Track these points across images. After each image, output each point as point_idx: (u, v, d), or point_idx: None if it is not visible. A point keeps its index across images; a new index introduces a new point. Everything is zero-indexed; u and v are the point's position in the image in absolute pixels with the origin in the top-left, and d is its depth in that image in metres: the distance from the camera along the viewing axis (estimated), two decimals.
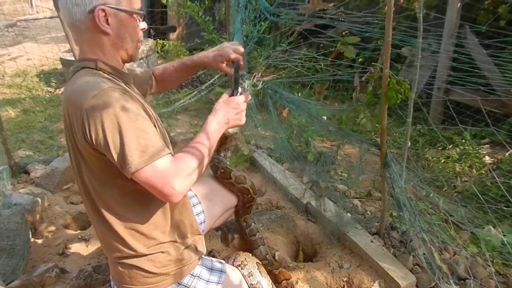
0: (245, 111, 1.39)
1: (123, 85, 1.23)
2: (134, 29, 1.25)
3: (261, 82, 1.75)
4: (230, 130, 1.58)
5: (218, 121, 1.32)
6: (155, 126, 1.20)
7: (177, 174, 1.13)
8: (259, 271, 1.64)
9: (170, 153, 1.15)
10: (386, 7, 1.53)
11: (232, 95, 1.40)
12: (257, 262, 1.68)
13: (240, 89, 1.42)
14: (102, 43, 1.21)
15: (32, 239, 2.23)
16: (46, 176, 2.81)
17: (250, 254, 1.72)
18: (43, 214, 2.44)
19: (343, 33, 3.75)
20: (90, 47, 1.22)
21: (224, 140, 1.82)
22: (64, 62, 5.43)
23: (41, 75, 5.94)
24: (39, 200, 2.43)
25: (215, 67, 1.58)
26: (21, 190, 2.64)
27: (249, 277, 1.61)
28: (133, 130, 1.08)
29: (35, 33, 7.52)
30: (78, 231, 2.42)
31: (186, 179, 1.15)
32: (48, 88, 5.45)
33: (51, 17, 8.76)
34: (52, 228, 2.35)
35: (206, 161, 1.23)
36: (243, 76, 1.68)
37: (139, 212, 1.27)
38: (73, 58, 4.71)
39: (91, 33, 1.19)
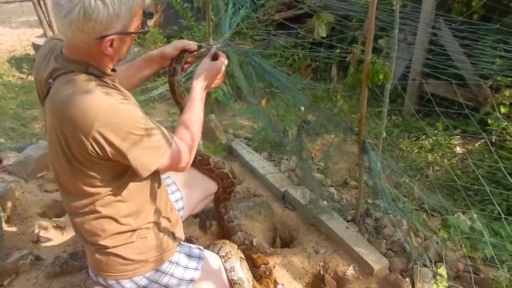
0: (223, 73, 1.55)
1: (111, 83, 1.20)
2: (132, 40, 1.22)
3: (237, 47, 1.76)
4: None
5: (203, 87, 1.46)
6: None
7: (185, 151, 1.27)
8: (241, 267, 1.63)
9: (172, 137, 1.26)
10: None
11: (213, 59, 1.54)
12: (241, 257, 1.67)
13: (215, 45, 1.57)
14: (100, 58, 1.17)
15: (5, 227, 2.18)
16: (19, 164, 2.74)
17: (236, 247, 1.71)
18: (17, 202, 2.39)
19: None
20: (84, 56, 1.15)
21: None
22: (36, 47, 5.27)
23: (12, 61, 5.74)
24: (13, 187, 2.38)
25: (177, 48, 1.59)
26: None
27: (230, 272, 1.61)
28: (145, 135, 1.13)
29: (5, 16, 7.24)
30: (53, 219, 2.37)
31: (192, 150, 1.32)
32: (20, 74, 5.28)
33: (22, 0, 8.45)
34: (26, 216, 2.30)
35: (201, 125, 1.40)
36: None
37: (121, 201, 1.27)
38: None
39: (91, 51, 1.13)
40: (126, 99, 1.15)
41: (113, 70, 1.26)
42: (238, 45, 1.73)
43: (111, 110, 1.08)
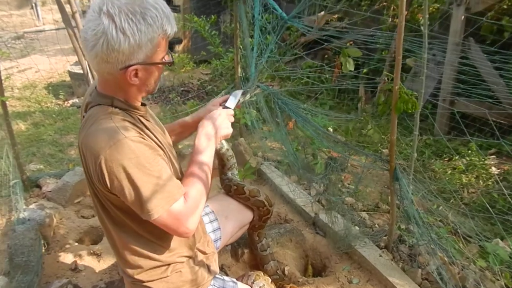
0: (229, 119, 1.47)
1: (136, 117, 1.25)
2: (160, 73, 1.26)
3: (267, 88, 1.81)
4: (223, 149, 1.74)
5: (207, 134, 1.38)
6: (167, 156, 1.25)
7: (190, 213, 1.21)
8: None
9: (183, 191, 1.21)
10: (398, 23, 1.57)
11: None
12: None
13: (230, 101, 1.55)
14: (126, 89, 1.21)
15: (45, 255, 2.26)
16: (57, 190, 2.85)
17: (270, 280, 1.70)
18: (55, 228, 2.48)
19: (348, 43, 3.79)
20: (112, 88, 1.21)
21: (222, 161, 1.86)
22: (72, 74, 5.50)
23: (50, 88, 6.01)
24: (53, 214, 2.47)
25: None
26: (33, 205, 2.68)
27: None
28: (149, 179, 1.11)
29: (42, 45, 7.61)
30: (90, 245, 2.45)
31: (197, 214, 1.24)
32: (57, 101, 5.52)
33: (57, 29, 8.86)
34: (64, 242, 2.39)
35: (209, 182, 1.31)
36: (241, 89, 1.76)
37: (154, 234, 1.29)
38: (81, 71, 4.77)
39: (118, 82, 1.18)
40: (143, 138, 1.16)
41: (143, 104, 1.30)
42: (268, 85, 1.77)
43: (116, 145, 1.09)
